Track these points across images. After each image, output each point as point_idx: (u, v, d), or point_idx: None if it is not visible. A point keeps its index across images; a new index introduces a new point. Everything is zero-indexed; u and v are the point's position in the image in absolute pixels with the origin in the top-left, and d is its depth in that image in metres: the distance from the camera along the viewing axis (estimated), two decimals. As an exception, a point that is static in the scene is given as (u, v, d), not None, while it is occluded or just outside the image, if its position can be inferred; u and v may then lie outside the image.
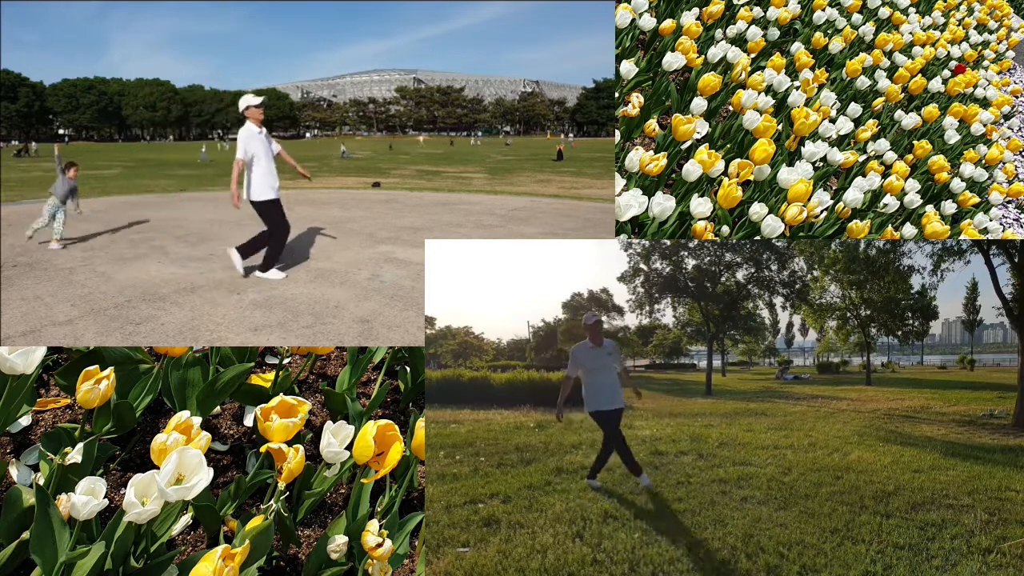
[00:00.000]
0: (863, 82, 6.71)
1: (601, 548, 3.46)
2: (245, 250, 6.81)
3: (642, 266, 18.06)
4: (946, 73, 8.04)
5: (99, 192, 17.25)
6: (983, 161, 6.29)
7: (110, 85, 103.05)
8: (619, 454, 4.70)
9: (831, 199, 4.81)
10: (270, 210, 6.62)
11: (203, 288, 6.45)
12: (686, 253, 17.04)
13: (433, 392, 9.99)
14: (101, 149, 60.98)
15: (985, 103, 7.78)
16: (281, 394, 2.92)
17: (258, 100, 6.48)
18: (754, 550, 3.44)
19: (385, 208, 13.52)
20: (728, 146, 5.11)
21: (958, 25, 9.58)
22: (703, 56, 5.43)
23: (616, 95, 5.19)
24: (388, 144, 51.99)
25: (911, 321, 21.49)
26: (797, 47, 6.42)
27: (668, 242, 15.67)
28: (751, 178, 4.55)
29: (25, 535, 2.48)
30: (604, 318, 34.30)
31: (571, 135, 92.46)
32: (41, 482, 2.71)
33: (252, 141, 6.42)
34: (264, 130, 6.59)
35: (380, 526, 2.72)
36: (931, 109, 6.56)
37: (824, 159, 5.21)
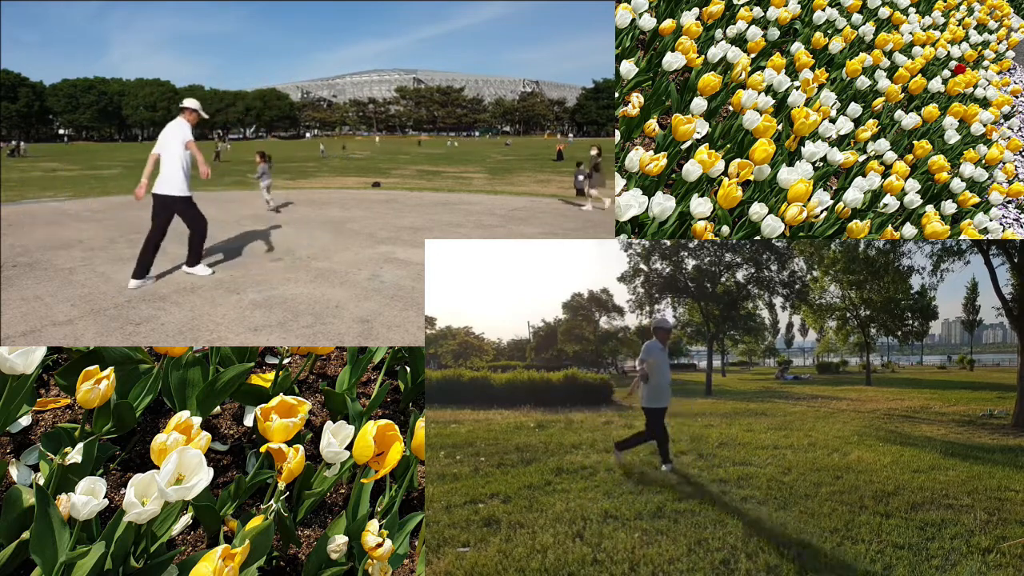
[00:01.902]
0: (863, 82, 6.71)
1: (601, 548, 3.46)
2: (192, 259, 7.00)
3: (642, 266, 18.08)
4: (946, 73, 8.04)
5: (99, 192, 17.25)
6: (983, 161, 6.29)
7: (110, 85, 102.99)
8: (660, 444, 5.31)
9: (831, 199, 4.81)
10: (192, 205, 6.75)
11: (203, 288, 6.45)
12: (686, 253, 17.03)
13: (433, 392, 9.99)
14: (101, 149, 60.95)
15: (985, 103, 7.78)
16: (281, 394, 2.92)
17: (206, 115, 6.82)
18: (754, 550, 3.44)
19: (385, 208, 13.52)
20: (728, 146, 5.11)
21: (958, 25, 9.58)
22: (703, 56, 5.43)
23: (616, 95, 5.18)
24: (342, 145, 51.32)
25: (911, 321, 21.49)
26: (797, 47, 6.42)
27: (668, 242, 15.66)
28: (751, 178, 4.55)
29: (25, 535, 2.48)
30: (604, 318, 34.36)
31: (570, 135, 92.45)
32: (41, 482, 2.71)
33: (180, 139, 6.47)
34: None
35: (380, 526, 2.73)
36: (931, 109, 6.56)
37: (824, 159, 5.21)
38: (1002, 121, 7.92)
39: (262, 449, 2.80)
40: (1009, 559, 3.34)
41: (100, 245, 8.75)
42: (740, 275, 17.70)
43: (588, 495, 4.52)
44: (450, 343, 34.73)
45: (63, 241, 9.01)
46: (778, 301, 19.88)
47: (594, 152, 14.65)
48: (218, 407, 3.69)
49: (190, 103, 6.70)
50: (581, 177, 15.82)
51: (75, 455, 2.53)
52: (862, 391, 15.53)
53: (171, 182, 6.43)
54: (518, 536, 3.66)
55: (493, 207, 13.98)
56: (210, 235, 9.59)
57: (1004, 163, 6.47)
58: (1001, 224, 6.32)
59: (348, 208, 13.28)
